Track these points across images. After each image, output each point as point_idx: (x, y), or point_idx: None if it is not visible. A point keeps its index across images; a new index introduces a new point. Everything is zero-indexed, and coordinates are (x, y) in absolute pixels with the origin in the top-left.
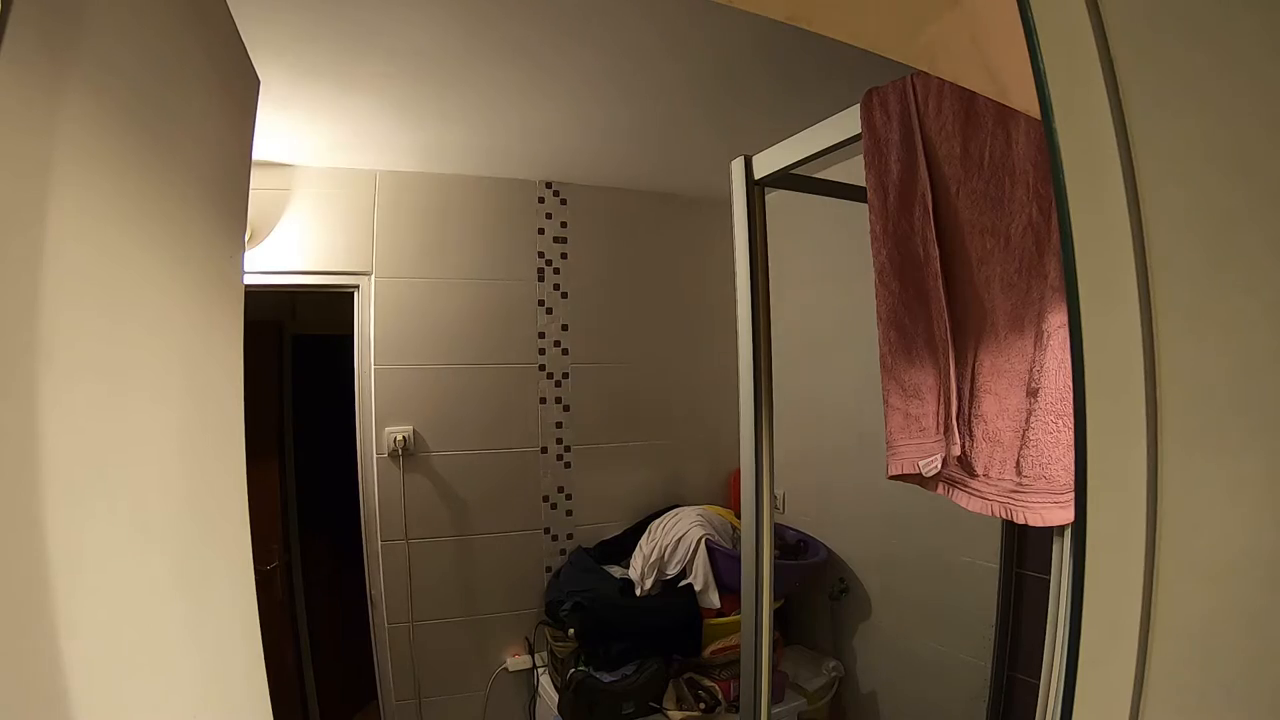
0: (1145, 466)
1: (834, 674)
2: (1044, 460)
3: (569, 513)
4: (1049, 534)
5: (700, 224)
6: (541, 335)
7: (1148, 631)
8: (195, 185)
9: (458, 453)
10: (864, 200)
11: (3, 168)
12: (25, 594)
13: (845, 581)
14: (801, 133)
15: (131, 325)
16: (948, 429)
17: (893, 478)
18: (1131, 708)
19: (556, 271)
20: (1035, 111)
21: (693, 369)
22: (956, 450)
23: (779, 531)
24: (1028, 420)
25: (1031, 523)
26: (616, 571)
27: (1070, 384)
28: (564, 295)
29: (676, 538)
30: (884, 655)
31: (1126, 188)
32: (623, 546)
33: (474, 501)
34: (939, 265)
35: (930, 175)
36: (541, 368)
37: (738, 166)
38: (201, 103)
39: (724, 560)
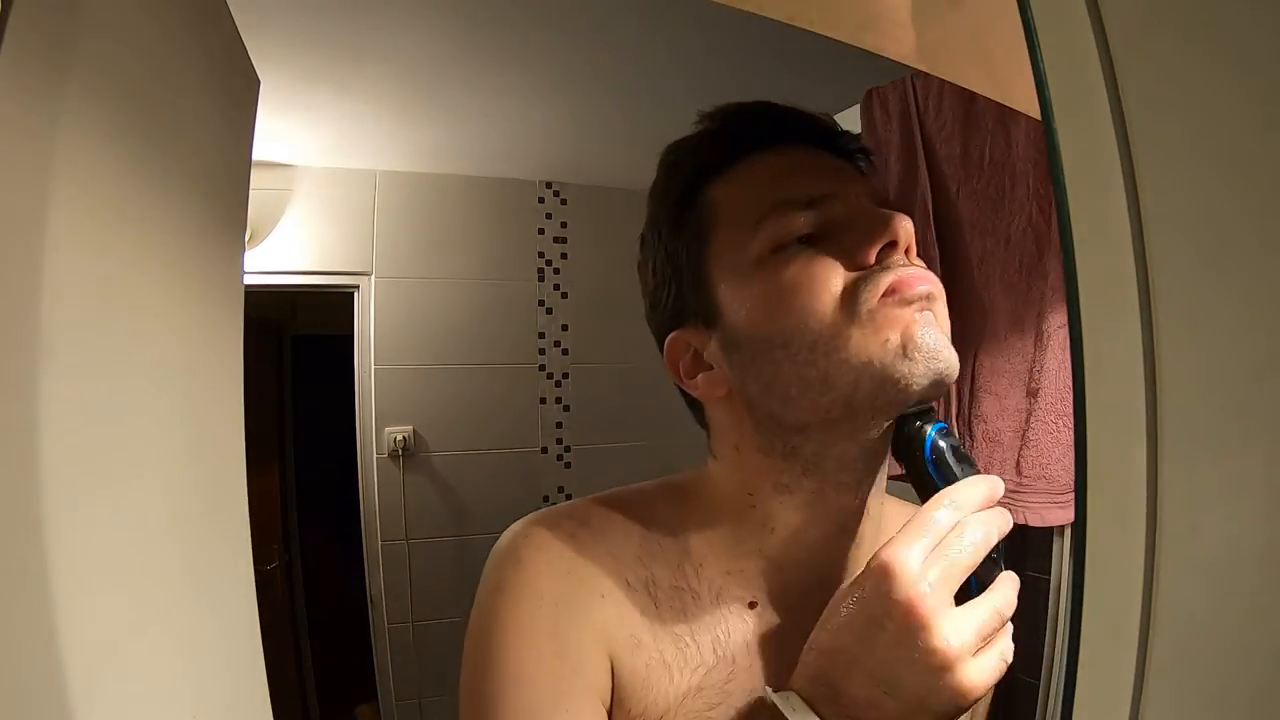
0: (1145, 466)
1: None
2: (1044, 460)
3: None
4: (1049, 534)
5: None
6: (541, 335)
7: (1148, 631)
8: (195, 185)
9: (458, 453)
10: None
11: (2, 169)
12: (24, 594)
13: None
14: None
15: (131, 325)
16: None
17: (893, 478)
18: (1131, 708)
19: (556, 271)
20: (1035, 111)
21: None
22: None
23: None
24: (1027, 420)
25: (1031, 523)
26: None
27: (1070, 384)
28: (564, 295)
29: None
30: None
31: (1126, 188)
32: None
33: (474, 501)
34: (939, 265)
35: (930, 176)
36: (541, 368)
37: None
38: (202, 103)
39: None
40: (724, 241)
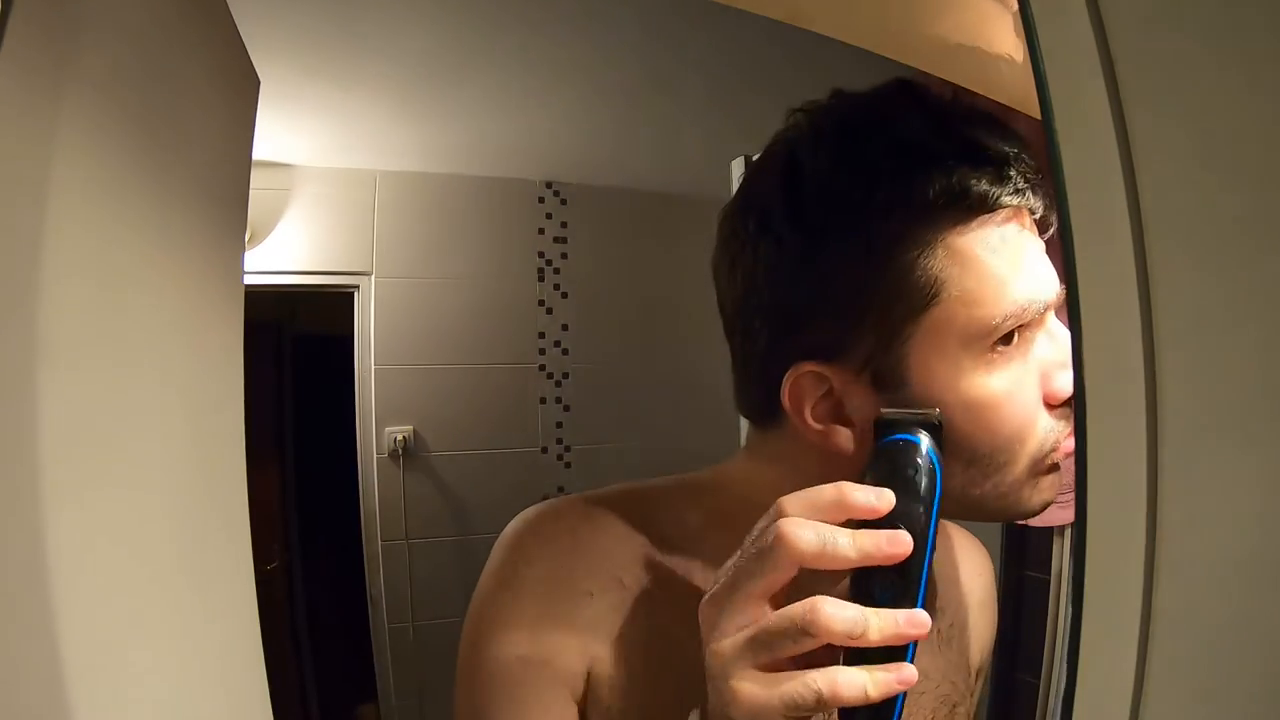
0: (1145, 466)
1: None
2: None
3: None
4: (1049, 534)
5: (700, 224)
6: (541, 335)
7: (1148, 631)
8: (195, 185)
9: (458, 453)
10: None
11: (2, 168)
12: (23, 593)
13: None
14: None
15: (131, 325)
16: None
17: None
18: (1131, 708)
19: (556, 271)
20: (1035, 111)
21: (693, 369)
22: None
23: None
24: None
25: (1031, 523)
26: None
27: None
28: (564, 295)
29: None
30: None
31: (1126, 188)
32: None
33: (474, 501)
34: None
35: None
36: (541, 368)
37: (737, 166)
38: (201, 103)
39: None
40: (951, 316)
